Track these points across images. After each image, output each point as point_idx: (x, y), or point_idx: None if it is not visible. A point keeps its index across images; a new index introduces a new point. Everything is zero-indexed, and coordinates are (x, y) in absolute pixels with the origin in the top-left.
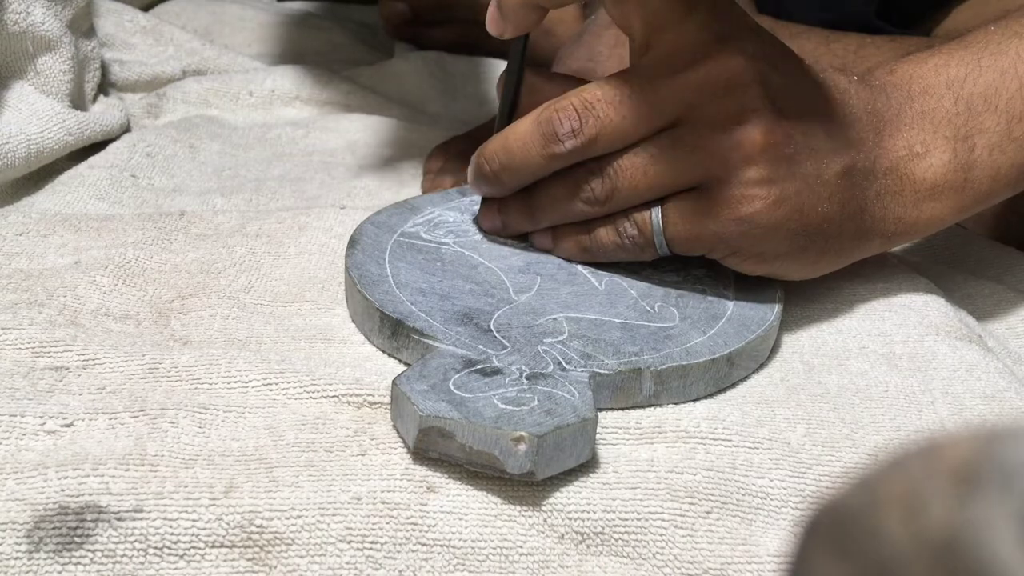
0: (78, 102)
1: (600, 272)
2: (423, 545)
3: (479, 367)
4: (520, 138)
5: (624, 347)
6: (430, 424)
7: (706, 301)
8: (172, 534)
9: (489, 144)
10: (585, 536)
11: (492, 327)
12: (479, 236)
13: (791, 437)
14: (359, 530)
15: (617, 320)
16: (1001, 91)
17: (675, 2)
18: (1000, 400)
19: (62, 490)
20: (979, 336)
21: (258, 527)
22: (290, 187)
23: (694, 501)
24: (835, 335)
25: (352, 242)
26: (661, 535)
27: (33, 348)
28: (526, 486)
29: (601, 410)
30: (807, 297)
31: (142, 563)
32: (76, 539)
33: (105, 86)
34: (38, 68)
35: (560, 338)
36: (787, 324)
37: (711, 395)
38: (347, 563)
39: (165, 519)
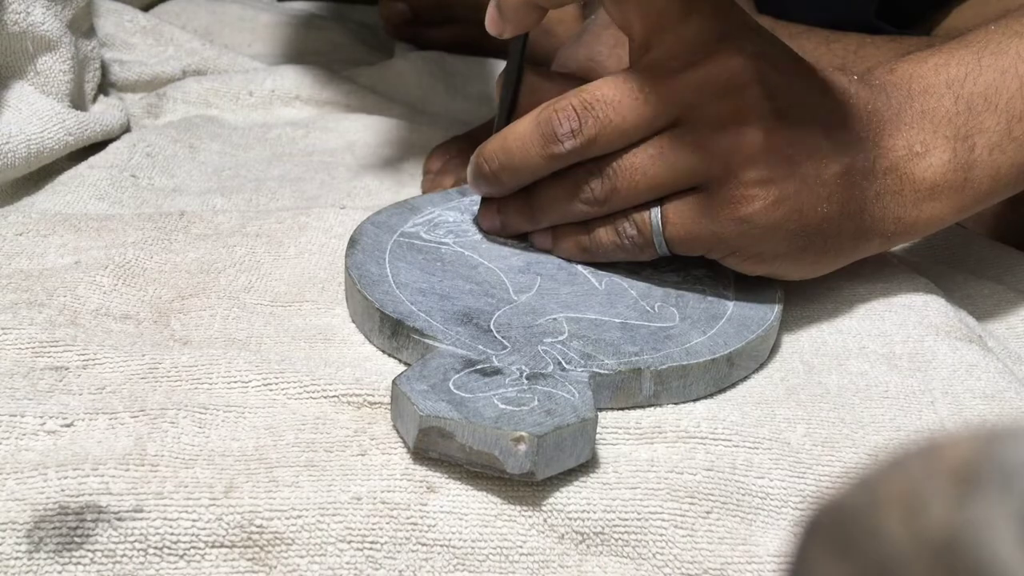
0: (78, 102)
1: (600, 272)
2: (423, 545)
3: (479, 367)
4: (519, 138)
5: (624, 347)
6: (430, 424)
7: (706, 301)
8: (172, 534)
9: (488, 144)
10: (585, 536)
11: (492, 327)
12: (479, 236)
13: (791, 437)
14: (359, 530)
15: (617, 320)
16: (1001, 90)
17: (675, 2)
18: (1000, 400)
19: (62, 490)
20: (979, 336)
21: (258, 527)
22: (290, 187)
23: (694, 501)
24: (835, 335)
25: (352, 242)
26: (661, 535)
27: (33, 348)
28: (526, 486)
29: (601, 410)
30: (807, 297)
31: (142, 563)
32: (76, 539)
33: (105, 86)
34: (38, 68)
35: (560, 338)
36: (787, 324)
37: (711, 395)
38: (347, 563)
39: (165, 519)
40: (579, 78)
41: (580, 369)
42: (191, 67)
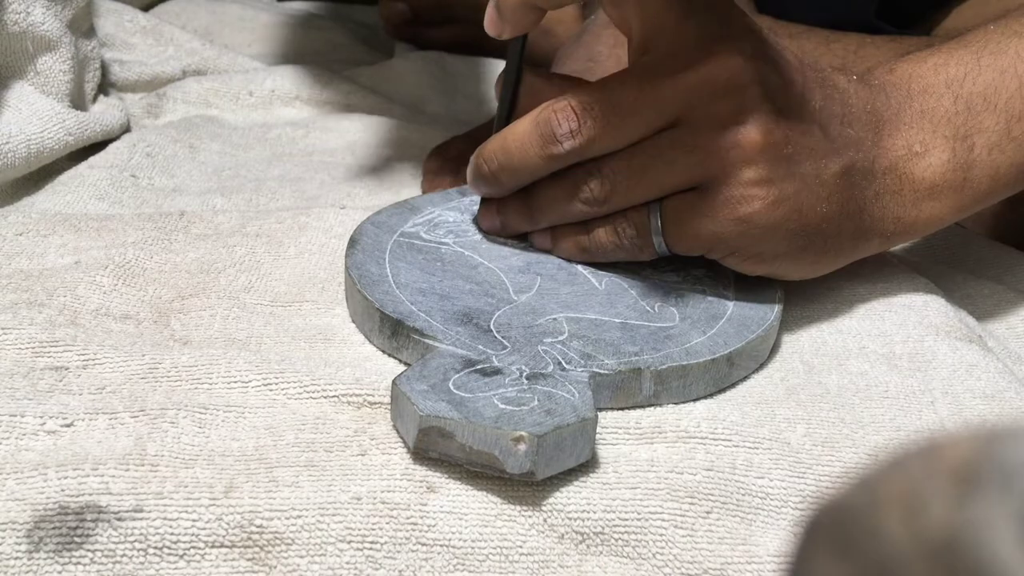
0: (78, 102)
1: (600, 272)
2: (423, 545)
3: (479, 367)
4: (519, 139)
5: (624, 347)
6: (430, 424)
7: (706, 301)
8: (172, 534)
9: (488, 145)
10: (585, 536)
11: (492, 327)
12: (479, 236)
13: (791, 437)
14: (359, 530)
15: (617, 320)
16: (1000, 90)
17: (674, 3)
18: (1000, 400)
19: (62, 490)
20: (979, 336)
21: (258, 527)
22: (290, 187)
23: (694, 501)
24: (835, 335)
25: (352, 242)
26: (661, 535)
27: (33, 348)
28: (526, 486)
29: (601, 410)
30: (807, 297)
31: (142, 563)
32: (76, 539)
33: (105, 86)
34: (38, 68)
35: (560, 338)
36: (787, 324)
37: (711, 395)
38: (347, 563)
39: (165, 519)
40: (578, 78)
41: (580, 369)
42: (191, 67)
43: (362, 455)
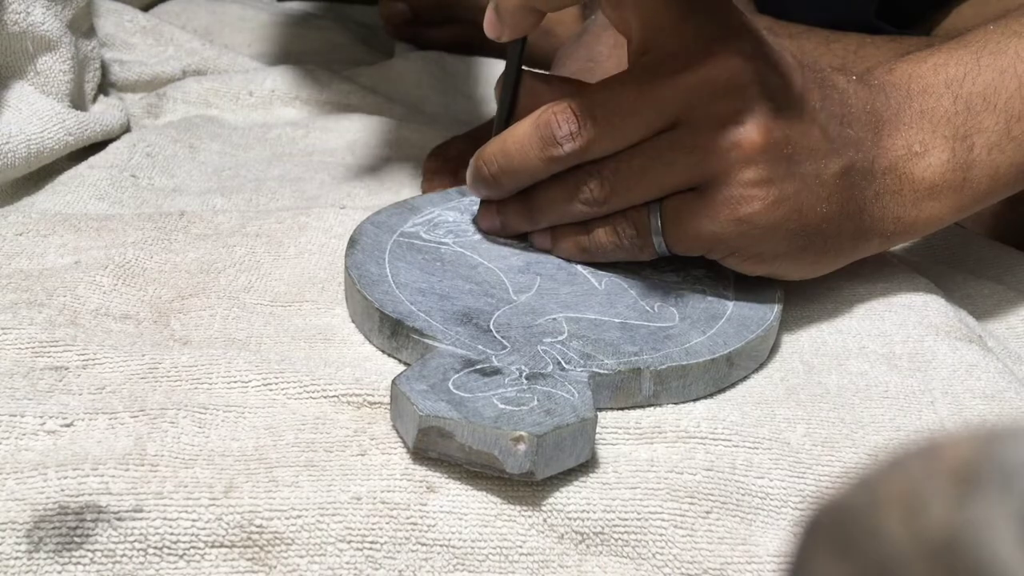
0: (78, 102)
1: (600, 272)
2: (423, 545)
3: (479, 367)
4: (518, 141)
5: (624, 347)
6: (430, 424)
7: (706, 301)
8: (172, 534)
9: (487, 147)
10: (585, 536)
11: (492, 327)
12: (479, 236)
13: (791, 437)
14: (359, 530)
15: (617, 320)
16: (1000, 90)
17: (673, 3)
18: (1000, 400)
19: (62, 490)
20: (979, 336)
21: (258, 527)
22: (290, 187)
23: (694, 501)
24: (835, 335)
25: (352, 242)
26: (661, 535)
27: (33, 348)
28: (526, 486)
29: (601, 410)
30: (807, 297)
31: (142, 563)
32: (76, 539)
33: (105, 86)
34: (38, 68)
35: (560, 338)
36: (787, 324)
37: (711, 395)
38: (347, 563)
39: (165, 519)
40: (578, 80)
41: (580, 369)
42: (191, 67)
43: (362, 455)
